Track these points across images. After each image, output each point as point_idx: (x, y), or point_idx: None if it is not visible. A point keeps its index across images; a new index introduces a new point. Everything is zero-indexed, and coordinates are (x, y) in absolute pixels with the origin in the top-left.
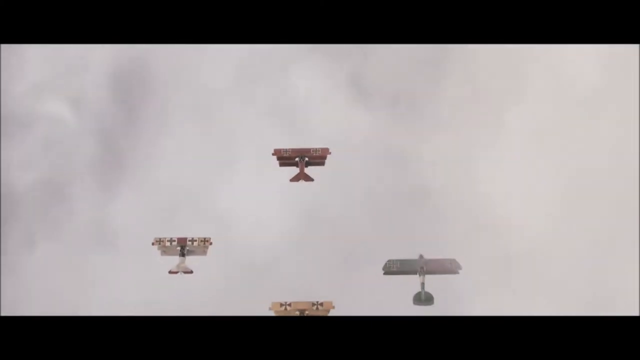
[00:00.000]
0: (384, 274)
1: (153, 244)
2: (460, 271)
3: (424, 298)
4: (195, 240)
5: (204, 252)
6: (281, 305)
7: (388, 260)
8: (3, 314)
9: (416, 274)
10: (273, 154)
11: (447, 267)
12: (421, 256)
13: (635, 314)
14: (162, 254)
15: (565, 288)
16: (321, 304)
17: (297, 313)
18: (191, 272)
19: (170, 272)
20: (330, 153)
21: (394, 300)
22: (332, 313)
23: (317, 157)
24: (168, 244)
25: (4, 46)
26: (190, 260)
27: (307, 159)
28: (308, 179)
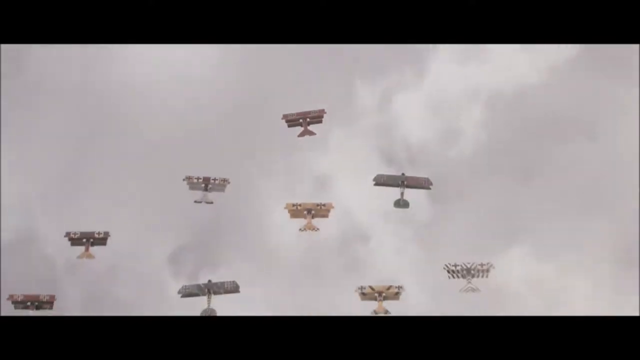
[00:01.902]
0: (374, 184)
1: (183, 179)
2: (431, 187)
3: (402, 204)
4: (217, 180)
5: (223, 189)
6: (293, 205)
7: (377, 175)
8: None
9: (398, 186)
10: (282, 119)
11: (421, 183)
12: (403, 174)
13: (635, 314)
14: (190, 189)
15: None
16: (324, 205)
17: (305, 212)
18: (212, 202)
19: (195, 201)
20: (325, 113)
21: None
22: (332, 211)
23: (315, 117)
24: (195, 181)
25: None
26: (212, 195)
27: (308, 119)
28: (312, 133)
